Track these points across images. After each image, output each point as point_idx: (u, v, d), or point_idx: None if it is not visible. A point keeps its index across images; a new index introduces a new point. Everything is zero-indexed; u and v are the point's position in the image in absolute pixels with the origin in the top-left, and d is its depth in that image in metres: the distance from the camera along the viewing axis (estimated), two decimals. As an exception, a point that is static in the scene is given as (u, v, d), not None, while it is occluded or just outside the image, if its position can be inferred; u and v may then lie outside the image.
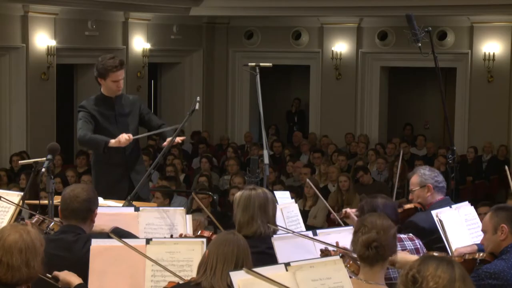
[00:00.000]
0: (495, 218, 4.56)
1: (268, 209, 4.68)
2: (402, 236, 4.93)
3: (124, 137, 6.22)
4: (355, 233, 4.12)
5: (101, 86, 6.60)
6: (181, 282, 4.12)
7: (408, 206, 5.64)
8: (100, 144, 6.33)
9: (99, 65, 6.48)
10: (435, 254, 4.65)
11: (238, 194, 4.77)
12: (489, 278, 4.39)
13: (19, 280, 3.66)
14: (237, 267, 3.65)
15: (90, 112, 6.50)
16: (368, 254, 3.99)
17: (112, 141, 6.25)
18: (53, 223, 4.89)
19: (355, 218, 5.29)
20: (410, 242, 4.90)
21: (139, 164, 6.71)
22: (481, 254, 4.61)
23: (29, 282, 3.73)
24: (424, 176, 5.68)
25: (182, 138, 6.39)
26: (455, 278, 3.07)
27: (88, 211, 4.63)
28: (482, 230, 4.65)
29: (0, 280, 3.64)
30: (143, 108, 6.73)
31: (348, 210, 5.52)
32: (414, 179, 5.75)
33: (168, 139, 6.21)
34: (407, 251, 4.73)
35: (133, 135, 6.41)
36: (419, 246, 4.91)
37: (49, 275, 4.08)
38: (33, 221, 4.97)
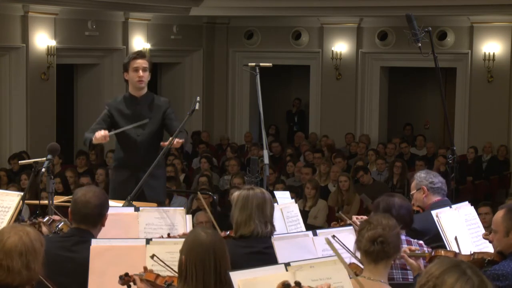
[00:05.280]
0: (508, 221, 4.50)
1: (265, 209, 4.68)
2: (412, 239, 4.94)
3: (100, 134, 6.16)
4: (360, 231, 4.17)
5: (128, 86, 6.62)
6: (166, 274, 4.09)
7: None
8: (86, 142, 6.35)
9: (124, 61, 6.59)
10: (442, 252, 4.64)
11: (236, 193, 4.77)
12: (496, 280, 4.33)
13: (20, 283, 3.63)
14: (216, 270, 3.65)
15: (110, 111, 6.49)
16: (374, 249, 4.05)
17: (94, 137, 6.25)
18: (62, 223, 4.88)
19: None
20: (417, 247, 4.87)
21: (157, 168, 6.29)
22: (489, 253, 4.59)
23: (30, 284, 3.69)
24: (419, 179, 5.84)
25: (180, 141, 6.00)
26: None
27: (99, 216, 4.61)
28: (493, 229, 4.60)
29: (1, 283, 3.61)
30: (168, 113, 6.53)
31: (354, 218, 5.55)
32: (412, 184, 5.94)
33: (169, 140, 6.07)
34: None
35: (151, 140, 6.38)
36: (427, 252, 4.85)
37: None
38: (44, 220, 4.97)
